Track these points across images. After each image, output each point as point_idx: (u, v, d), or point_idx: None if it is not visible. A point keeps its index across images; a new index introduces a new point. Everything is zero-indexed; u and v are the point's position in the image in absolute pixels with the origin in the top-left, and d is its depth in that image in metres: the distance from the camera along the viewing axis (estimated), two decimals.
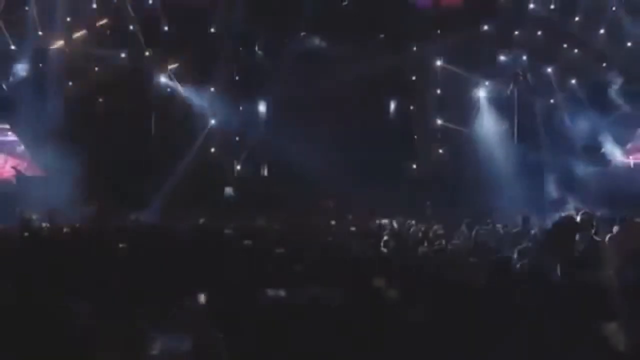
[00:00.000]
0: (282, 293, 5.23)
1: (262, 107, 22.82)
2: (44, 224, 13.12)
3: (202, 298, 4.95)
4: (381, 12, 21.27)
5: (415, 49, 21.85)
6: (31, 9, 19.70)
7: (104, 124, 20.23)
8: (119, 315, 4.33)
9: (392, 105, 22.89)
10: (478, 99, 21.74)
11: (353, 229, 14.04)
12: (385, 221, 15.06)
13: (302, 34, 22.19)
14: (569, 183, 19.79)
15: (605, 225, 8.58)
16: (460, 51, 20.85)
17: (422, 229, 12.37)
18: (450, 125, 21.66)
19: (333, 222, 16.11)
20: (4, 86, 20.30)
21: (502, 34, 21.11)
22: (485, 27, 21.04)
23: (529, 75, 21.25)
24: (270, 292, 5.13)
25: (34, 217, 15.10)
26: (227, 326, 4.24)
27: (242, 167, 22.28)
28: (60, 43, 20.39)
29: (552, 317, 4.23)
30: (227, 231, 11.73)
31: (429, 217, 16.79)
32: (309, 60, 21.49)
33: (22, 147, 21.47)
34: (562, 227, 6.50)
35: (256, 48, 22.33)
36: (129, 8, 20.47)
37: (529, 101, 21.28)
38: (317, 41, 22.10)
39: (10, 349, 3.74)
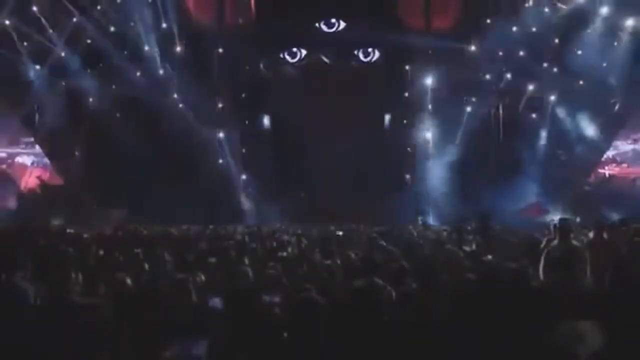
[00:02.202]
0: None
1: (266, 121, 22.95)
2: (68, 230, 13.14)
3: (217, 302, 4.82)
4: (378, 35, 21.44)
5: (408, 68, 21.97)
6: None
7: (121, 137, 20.27)
8: (137, 317, 4.28)
9: (387, 119, 22.95)
10: (466, 115, 21.85)
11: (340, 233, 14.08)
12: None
13: (304, 53, 22.33)
14: (549, 192, 19.88)
15: (582, 230, 8.68)
16: (450, 70, 21.00)
17: None
18: (437, 142, 21.79)
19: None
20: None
21: (488, 54, 21.23)
22: (473, 48, 21.11)
23: (513, 94, 21.48)
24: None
25: (57, 222, 15.19)
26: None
27: (247, 177, 22.36)
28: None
29: (533, 317, 4.22)
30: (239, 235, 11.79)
31: (421, 224, 16.83)
32: (310, 77, 21.62)
33: (45, 159, 21.59)
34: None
35: (261, 66, 22.46)
36: (145, 30, 20.57)
37: (513, 116, 21.46)
38: (317, 60, 22.23)
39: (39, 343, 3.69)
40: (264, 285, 5.54)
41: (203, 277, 5.88)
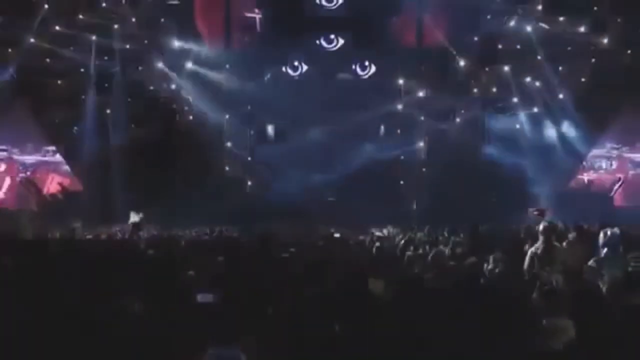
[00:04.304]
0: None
1: (269, 131, 23.05)
2: (87, 235, 13.15)
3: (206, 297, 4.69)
4: (374, 51, 21.63)
5: (401, 81, 22.14)
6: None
7: (137, 146, 20.37)
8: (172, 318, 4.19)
9: (382, 129, 23.07)
10: (455, 125, 22.00)
11: (337, 235, 14.11)
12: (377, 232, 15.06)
13: (305, 67, 22.47)
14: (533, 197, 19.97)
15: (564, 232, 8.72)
16: (440, 83, 21.16)
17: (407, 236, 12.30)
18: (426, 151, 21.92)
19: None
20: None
21: (476, 68, 21.39)
22: (462, 63, 21.26)
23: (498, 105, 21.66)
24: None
25: (77, 225, 15.24)
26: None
27: (252, 184, 22.45)
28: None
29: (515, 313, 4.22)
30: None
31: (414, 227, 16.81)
32: (310, 90, 21.72)
33: (66, 166, 21.65)
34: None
35: (265, 80, 22.58)
36: (158, 48, 20.71)
37: (497, 126, 21.66)
38: (317, 74, 22.37)
39: (73, 345, 3.64)
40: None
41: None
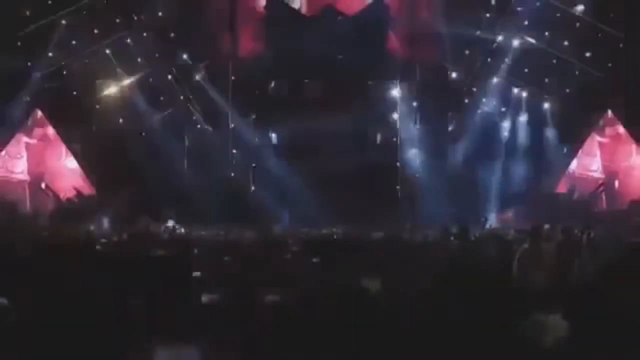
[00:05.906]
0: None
1: (273, 138, 23.06)
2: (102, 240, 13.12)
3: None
4: (370, 64, 21.68)
5: (397, 93, 22.20)
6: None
7: (148, 153, 20.37)
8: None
9: (379, 137, 23.08)
10: (449, 133, 22.09)
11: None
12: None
13: (306, 80, 22.50)
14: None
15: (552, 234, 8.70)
16: (434, 93, 21.19)
17: None
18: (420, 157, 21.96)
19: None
20: None
21: (467, 80, 21.48)
22: (454, 75, 21.28)
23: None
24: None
25: (91, 227, 15.25)
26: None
27: (256, 188, 22.44)
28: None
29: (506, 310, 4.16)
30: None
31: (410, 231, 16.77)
32: (311, 99, 21.75)
33: (82, 171, 21.64)
34: None
35: (268, 90, 22.60)
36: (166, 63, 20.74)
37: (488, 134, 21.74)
38: (317, 85, 22.41)
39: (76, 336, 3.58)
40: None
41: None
